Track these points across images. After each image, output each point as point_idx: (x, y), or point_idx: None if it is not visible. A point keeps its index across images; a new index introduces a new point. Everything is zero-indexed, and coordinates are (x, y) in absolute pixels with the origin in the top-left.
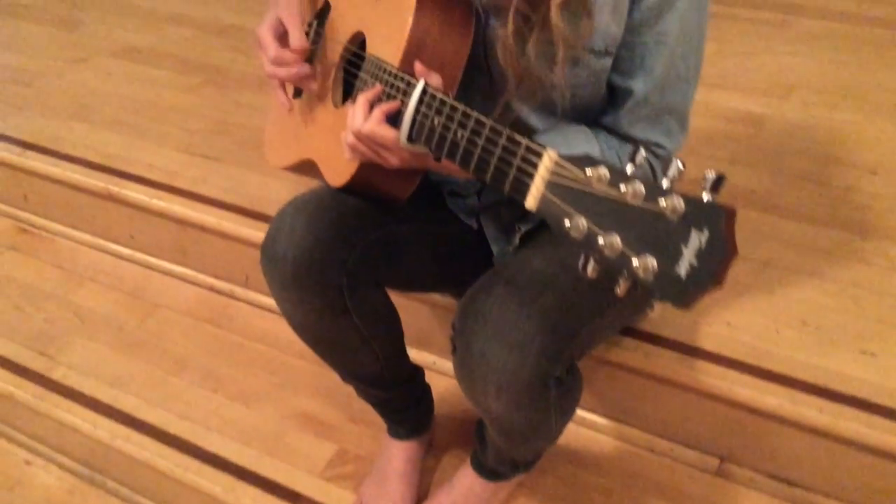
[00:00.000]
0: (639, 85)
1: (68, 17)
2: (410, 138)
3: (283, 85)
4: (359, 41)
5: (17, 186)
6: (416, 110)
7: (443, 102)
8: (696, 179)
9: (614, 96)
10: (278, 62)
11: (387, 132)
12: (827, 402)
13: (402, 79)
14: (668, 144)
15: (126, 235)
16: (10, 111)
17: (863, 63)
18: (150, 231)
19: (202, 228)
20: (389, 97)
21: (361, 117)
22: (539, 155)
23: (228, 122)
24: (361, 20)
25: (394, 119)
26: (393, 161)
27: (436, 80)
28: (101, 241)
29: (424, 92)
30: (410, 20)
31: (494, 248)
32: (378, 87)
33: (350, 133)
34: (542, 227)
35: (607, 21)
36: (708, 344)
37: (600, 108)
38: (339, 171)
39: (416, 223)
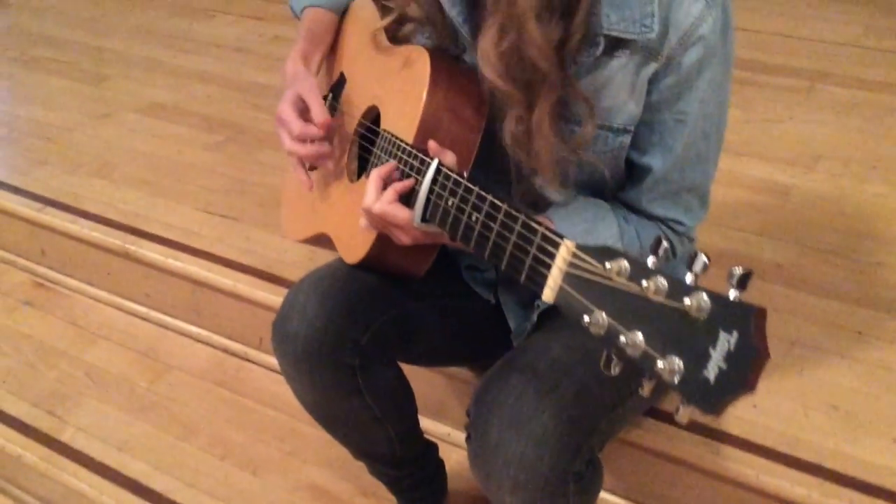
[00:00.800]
0: (658, 163)
1: (94, 72)
2: (424, 219)
3: (302, 162)
4: (373, 116)
5: (34, 240)
6: (430, 190)
7: (457, 183)
8: (724, 251)
9: (632, 172)
10: (302, 138)
11: (399, 212)
12: (857, 494)
13: (415, 156)
14: (687, 221)
15: (141, 293)
16: (32, 166)
17: (891, 134)
18: (165, 290)
19: (217, 290)
20: (403, 175)
21: (374, 195)
22: (556, 245)
23: (248, 181)
24: (376, 95)
25: (407, 198)
26: (405, 240)
27: (450, 158)
28: (116, 299)
29: (438, 171)
30: (424, 96)
31: (512, 324)
32: (391, 164)
33: (363, 211)
34: None
35: (625, 99)
36: (734, 428)
37: (618, 181)
38: (353, 248)
39: (432, 298)
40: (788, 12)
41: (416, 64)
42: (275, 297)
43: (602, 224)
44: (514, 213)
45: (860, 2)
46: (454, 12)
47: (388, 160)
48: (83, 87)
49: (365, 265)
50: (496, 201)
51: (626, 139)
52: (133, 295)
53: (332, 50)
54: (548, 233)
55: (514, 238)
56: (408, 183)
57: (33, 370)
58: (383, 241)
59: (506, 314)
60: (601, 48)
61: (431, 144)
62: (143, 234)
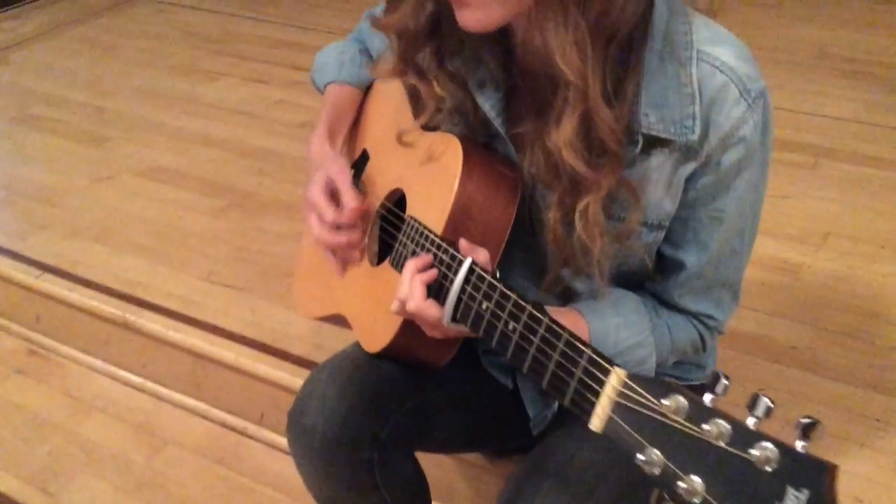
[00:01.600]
0: (692, 259)
1: (96, 133)
2: (455, 318)
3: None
4: (396, 198)
5: (29, 306)
6: (462, 290)
7: (492, 286)
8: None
9: (664, 265)
10: (335, 226)
11: (431, 310)
12: None
13: (445, 250)
14: (719, 316)
15: (139, 364)
16: (31, 230)
17: (892, 209)
18: (164, 361)
19: (219, 363)
20: (432, 267)
21: (408, 289)
22: (606, 372)
23: (252, 248)
24: (401, 178)
25: (437, 292)
26: (435, 335)
27: (482, 256)
28: (113, 369)
29: (471, 271)
30: (456, 186)
31: (531, 412)
32: (427, 259)
33: (397, 302)
34: None
35: (661, 196)
36: None
37: (646, 273)
38: (375, 335)
39: (450, 385)
40: (788, 86)
41: (448, 152)
42: (278, 371)
43: (634, 318)
44: (556, 328)
45: (859, 78)
46: (487, 106)
47: (414, 249)
48: (84, 149)
49: (386, 354)
50: (536, 313)
51: (661, 235)
52: (130, 365)
53: (354, 125)
54: (595, 356)
55: (556, 356)
56: (432, 274)
57: (25, 443)
58: (408, 332)
59: (525, 401)
60: (640, 146)
61: (463, 243)
62: (142, 304)
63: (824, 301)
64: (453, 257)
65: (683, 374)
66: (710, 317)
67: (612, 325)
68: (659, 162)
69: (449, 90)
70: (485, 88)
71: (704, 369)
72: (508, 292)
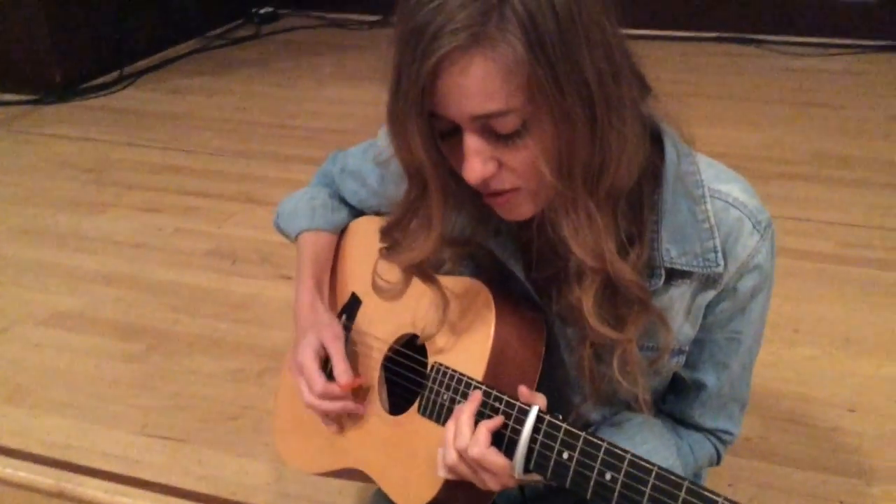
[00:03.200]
0: (712, 379)
1: None
2: (527, 469)
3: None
4: (403, 343)
5: None
6: (532, 439)
7: (572, 434)
8: None
9: (682, 386)
10: (325, 397)
11: (497, 458)
12: None
13: (497, 398)
14: (734, 430)
15: None
16: None
17: (807, 297)
18: None
19: None
20: (482, 416)
21: (468, 436)
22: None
23: (185, 393)
24: (412, 323)
25: (496, 442)
26: (493, 486)
27: (543, 402)
28: None
29: (540, 420)
30: (492, 332)
31: None
32: (499, 419)
33: (453, 452)
34: None
35: (682, 322)
36: None
37: (662, 394)
38: (413, 489)
39: None
40: None
41: (476, 298)
42: None
43: (659, 443)
44: (673, 477)
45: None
46: (506, 255)
47: (453, 397)
48: None
49: None
50: (643, 462)
51: (682, 359)
52: None
53: (332, 270)
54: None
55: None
56: (498, 420)
57: None
58: (452, 484)
59: None
60: (662, 279)
61: (523, 390)
62: (78, 469)
63: (761, 390)
64: (509, 405)
65: None
66: (726, 432)
67: (644, 452)
68: (680, 292)
69: (458, 247)
70: (500, 236)
71: None
72: (598, 440)
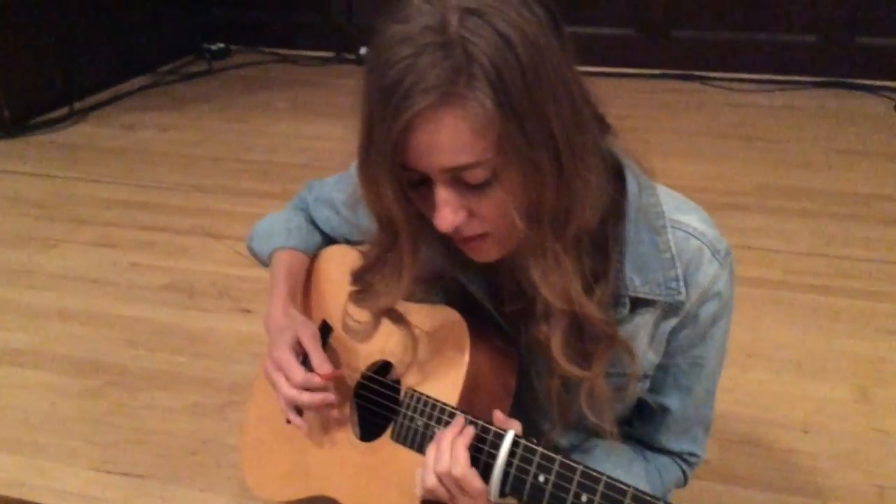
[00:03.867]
0: (676, 403)
1: None
2: (503, 493)
3: (297, 409)
4: (375, 370)
5: None
6: (508, 463)
7: (548, 458)
8: None
9: (647, 411)
10: (306, 387)
11: (476, 480)
12: None
13: (472, 423)
14: (699, 452)
15: None
16: None
17: (759, 323)
18: None
19: None
20: None
21: (449, 457)
22: None
23: (144, 429)
24: (385, 350)
25: (473, 464)
26: None
27: (518, 427)
28: None
29: (516, 444)
30: (467, 359)
31: None
32: (465, 428)
33: (432, 474)
34: None
35: (646, 349)
36: None
37: (627, 419)
38: None
39: None
40: None
41: (450, 326)
42: None
43: (631, 467)
44: (648, 498)
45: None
46: (474, 287)
47: (424, 422)
48: None
49: None
50: (618, 484)
51: (647, 384)
52: None
53: (303, 292)
54: None
55: None
56: (474, 435)
57: None
58: None
59: None
60: (628, 308)
61: (498, 414)
62: None
63: (719, 413)
64: (485, 429)
65: None
66: (692, 454)
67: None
68: (644, 320)
69: (429, 280)
70: (469, 269)
71: None
72: (573, 463)
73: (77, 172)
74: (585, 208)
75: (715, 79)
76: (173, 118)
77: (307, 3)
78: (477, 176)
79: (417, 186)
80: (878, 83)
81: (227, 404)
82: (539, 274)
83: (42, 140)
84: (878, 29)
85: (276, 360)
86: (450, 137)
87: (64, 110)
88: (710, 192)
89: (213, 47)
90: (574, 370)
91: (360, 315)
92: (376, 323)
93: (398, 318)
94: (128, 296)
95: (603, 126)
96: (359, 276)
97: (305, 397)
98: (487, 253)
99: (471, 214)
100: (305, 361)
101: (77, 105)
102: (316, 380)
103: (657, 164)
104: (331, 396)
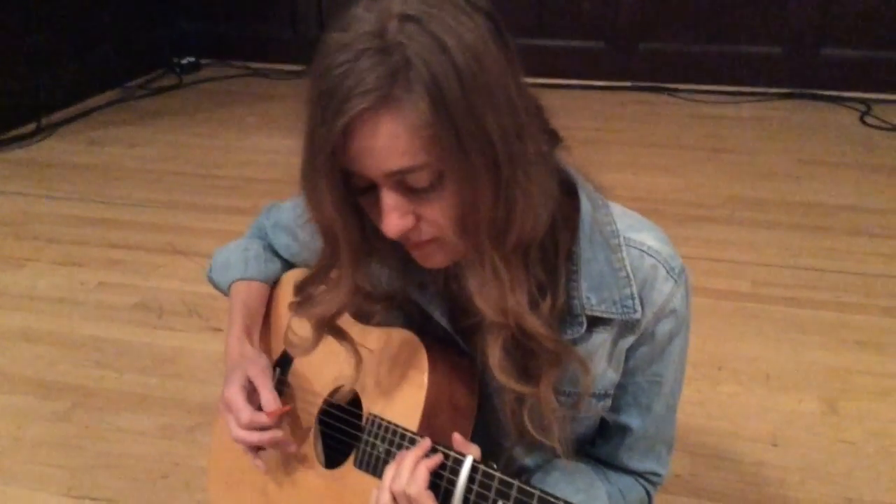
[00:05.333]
0: (636, 422)
1: None
2: None
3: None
4: (337, 395)
5: None
6: (467, 489)
7: (506, 483)
8: None
9: (608, 431)
10: (252, 426)
11: (430, 502)
12: None
13: (434, 448)
14: (661, 471)
15: None
16: None
17: (728, 335)
18: None
19: None
20: None
21: (407, 476)
22: None
23: (113, 452)
24: (342, 376)
25: (432, 490)
26: None
27: (477, 451)
28: None
29: (475, 469)
30: (426, 382)
31: None
32: (438, 458)
33: (387, 493)
34: None
35: (605, 368)
36: None
37: (590, 438)
38: None
39: None
40: None
41: (408, 349)
42: None
43: (593, 490)
44: None
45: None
46: (431, 307)
47: (386, 448)
48: None
49: None
50: None
51: (608, 402)
52: None
53: (265, 321)
54: None
55: None
56: (437, 460)
57: None
58: None
59: None
60: (584, 326)
61: (457, 437)
62: None
63: (689, 427)
64: (444, 455)
65: None
66: (654, 473)
67: (581, 501)
68: (602, 338)
69: (384, 301)
70: (425, 288)
71: None
72: (531, 489)
73: (44, 189)
74: (526, 220)
75: (683, 91)
76: (142, 133)
77: (278, 17)
78: (420, 180)
79: (366, 193)
80: (844, 94)
81: (198, 426)
82: (476, 284)
83: (8, 157)
84: (843, 40)
85: (225, 400)
86: (388, 140)
87: (31, 126)
88: (678, 205)
89: (183, 61)
90: (514, 385)
91: (303, 329)
92: (317, 338)
93: (338, 333)
94: (96, 315)
95: (553, 139)
96: (301, 288)
97: (255, 437)
98: (433, 259)
99: (418, 219)
100: None
101: (44, 121)
102: (262, 419)
103: (626, 176)
104: (279, 434)
